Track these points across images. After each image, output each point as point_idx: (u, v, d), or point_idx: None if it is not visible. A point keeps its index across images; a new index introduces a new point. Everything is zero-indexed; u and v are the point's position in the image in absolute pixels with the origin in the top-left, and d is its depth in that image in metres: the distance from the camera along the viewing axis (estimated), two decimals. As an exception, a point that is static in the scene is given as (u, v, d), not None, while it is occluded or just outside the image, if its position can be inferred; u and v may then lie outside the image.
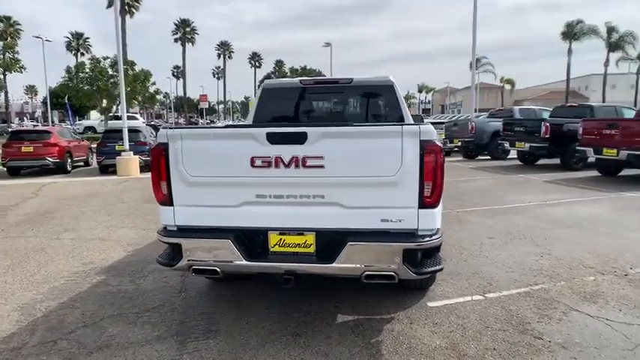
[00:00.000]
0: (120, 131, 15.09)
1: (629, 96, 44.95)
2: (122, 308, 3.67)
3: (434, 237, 2.85)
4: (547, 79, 68.41)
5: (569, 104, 15.93)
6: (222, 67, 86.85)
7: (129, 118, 27.35)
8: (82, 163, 16.50)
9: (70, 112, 34.45)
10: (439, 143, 2.79)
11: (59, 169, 14.31)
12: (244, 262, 2.93)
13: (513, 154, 14.78)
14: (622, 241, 5.29)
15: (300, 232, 2.96)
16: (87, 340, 3.14)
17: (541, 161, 13.65)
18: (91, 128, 36.54)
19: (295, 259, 2.97)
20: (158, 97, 61.66)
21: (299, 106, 5.15)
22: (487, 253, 4.92)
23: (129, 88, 35.87)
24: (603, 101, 34.57)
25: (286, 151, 2.84)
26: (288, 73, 30.64)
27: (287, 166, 2.85)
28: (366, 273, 2.85)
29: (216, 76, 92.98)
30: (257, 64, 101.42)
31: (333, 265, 2.85)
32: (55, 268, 4.74)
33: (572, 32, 42.00)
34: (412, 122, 4.15)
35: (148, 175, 3.06)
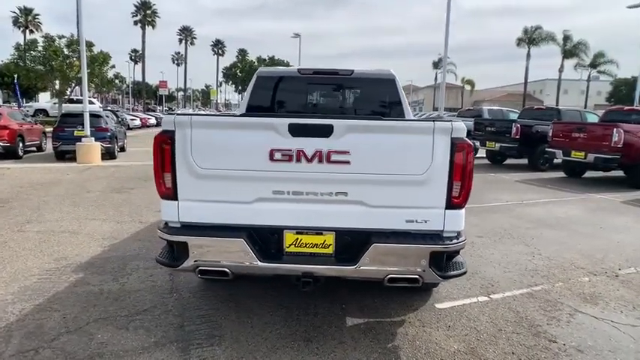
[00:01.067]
0: (78, 115, 14.15)
1: (580, 101, 47.60)
2: (108, 311, 3.33)
3: (460, 239, 2.74)
4: (504, 82, 71.13)
5: (537, 107, 16.51)
6: (182, 53, 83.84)
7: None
8: (34, 149, 15.34)
9: (18, 93, 32.05)
10: (470, 141, 2.68)
11: (9, 154, 13.20)
12: (259, 263, 2.70)
13: (482, 153, 15.16)
14: (603, 241, 5.46)
15: (318, 231, 2.76)
16: (74, 349, 2.80)
17: (508, 161, 14.08)
18: (43, 111, 34.19)
19: (312, 261, 2.77)
20: (116, 81, 58.87)
21: (296, 96, 4.91)
22: (480, 252, 4.92)
23: (87, 70, 34.01)
24: (557, 105, 36.35)
25: (309, 145, 2.63)
26: (256, 63, 29.90)
27: (309, 160, 2.64)
28: (390, 276, 2.71)
29: (175, 62, 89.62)
30: (220, 51, 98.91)
31: (355, 267, 2.68)
32: (22, 264, 4.28)
33: (530, 37, 43.86)
34: (413, 118, 4.05)
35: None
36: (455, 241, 2.71)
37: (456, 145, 2.62)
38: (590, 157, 9.45)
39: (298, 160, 2.64)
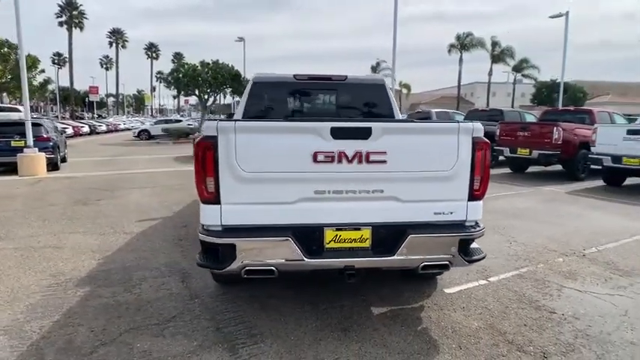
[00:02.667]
0: (14, 125, 13.18)
1: (507, 102, 51.59)
2: (136, 321, 3.30)
3: (480, 227, 3.08)
4: (438, 85, 75.16)
5: (481, 108, 17.77)
6: (112, 56, 79.63)
7: (10, 110, 23.80)
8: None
9: None
10: (487, 140, 3.02)
11: None
12: (305, 260, 2.85)
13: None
14: (563, 227, 6.15)
15: (356, 227, 2.97)
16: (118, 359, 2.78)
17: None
18: (-42, 121, 30.97)
19: (351, 255, 2.97)
20: (48, 87, 54.53)
21: (292, 101, 5.07)
22: (465, 243, 5.36)
23: (9, 76, 31.33)
24: (487, 106, 39.18)
25: (350, 147, 2.84)
26: (199, 67, 29.16)
27: (350, 161, 2.85)
28: (424, 264, 2.98)
29: (105, 66, 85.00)
30: (154, 55, 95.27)
31: (394, 257, 2.92)
32: (15, 282, 4.04)
33: (462, 43, 46.87)
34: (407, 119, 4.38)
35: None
36: (478, 229, 3.05)
37: (476, 144, 2.96)
38: (534, 154, 10.45)
39: (339, 161, 2.84)
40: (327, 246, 2.97)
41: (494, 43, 47.42)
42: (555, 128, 10.04)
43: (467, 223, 3.06)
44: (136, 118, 61.11)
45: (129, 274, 4.26)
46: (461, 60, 48.26)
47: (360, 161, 2.85)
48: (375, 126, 2.85)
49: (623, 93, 53.59)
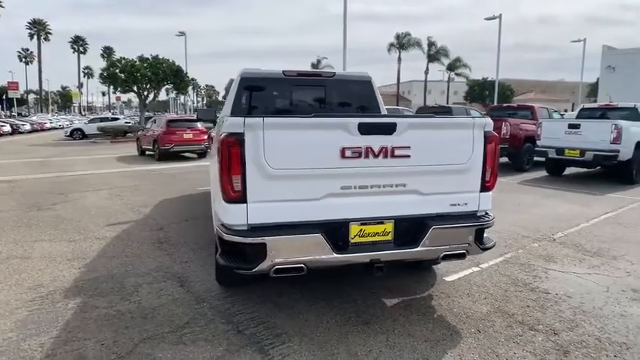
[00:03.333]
0: None
1: (442, 100, 54.37)
2: (147, 330, 3.11)
3: (491, 217, 3.25)
4: (377, 83, 77.16)
5: (431, 105, 18.51)
6: (32, 49, 73.22)
7: None
8: None
9: None
10: (496, 134, 3.20)
11: None
12: (334, 255, 2.86)
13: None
14: (528, 215, 6.63)
15: (380, 221, 3.02)
16: (144, 371, 2.62)
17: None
18: None
19: (374, 248, 3.01)
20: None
21: (281, 97, 5.00)
22: (446, 233, 5.61)
23: None
24: (424, 104, 40.99)
25: (376, 142, 2.88)
26: (137, 62, 27.70)
27: (376, 156, 2.89)
28: (445, 253, 3.10)
29: (24, 59, 78.04)
30: (81, 49, 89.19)
31: (418, 249, 3.01)
32: (-10, 298, 3.64)
33: (401, 43, 48.60)
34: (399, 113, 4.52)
35: None
36: (490, 218, 3.22)
37: (488, 137, 3.12)
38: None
39: (366, 156, 2.87)
40: (352, 241, 2.99)
41: (430, 44, 49.75)
42: (504, 123, 10.76)
43: (478, 214, 3.23)
44: (63, 117, 56.71)
45: (119, 281, 3.99)
46: (399, 59, 50.13)
47: (385, 156, 2.90)
48: (400, 121, 2.91)
49: (544, 90, 58.51)
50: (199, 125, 17.31)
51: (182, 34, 31.48)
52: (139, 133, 18.83)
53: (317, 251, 2.83)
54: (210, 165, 4.49)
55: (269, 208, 2.82)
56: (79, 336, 3.02)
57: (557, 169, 10.43)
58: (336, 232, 2.94)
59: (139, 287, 3.87)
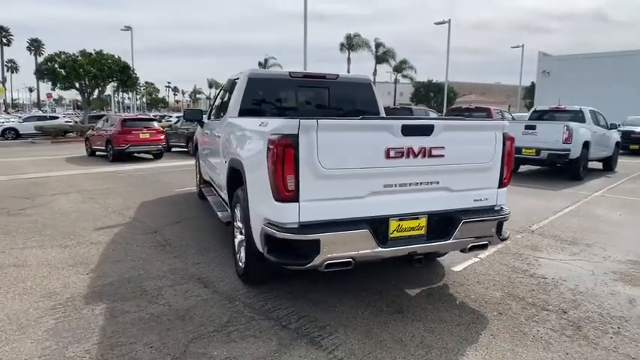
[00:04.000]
0: None
1: (389, 100, 56.18)
2: (191, 331, 3.12)
3: (507, 210, 3.60)
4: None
5: (392, 107, 19.12)
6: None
7: None
8: None
9: None
10: (512, 135, 3.55)
11: None
12: (379, 249, 3.05)
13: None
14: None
15: (415, 216, 3.26)
16: (206, 369, 2.66)
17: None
18: None
19: (410, 242, 3.25)
20: None
21: (287, 97, 5.09)
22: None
23: None
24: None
25: (416, 142, 3.11)
26: (79, 57, 26.11)
27: (415, 156, 3.12)
28: (471, 244, 3.39)
29: None
30: (4, 41, 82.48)
31: (450, 241, 3.28)
32: (5, 309, 3.44)
33: (350, 43, 49.59)
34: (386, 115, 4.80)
35: None
36: (507, 212, 3.56)
37: (506, 138, 3.46)
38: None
39: (408, 156, 3.09)
40: (391, 235, 3.20)
41: (378, 45, 51.10)
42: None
43: (496, 208, 3.56)
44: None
45: (138, 285, 3.92)
46: (349, 59, 50.99)
47: (423, 156, 3.14)
48: (437, 123, 3.16)
49: (483, 92, 62.23)
50: (156, 125, 16.80)
51: (128, 28, 30.04)
52: (89, 132, 17.85)
53: (364, 246, 3.01)
54: (219, 169, 4.43)
55: (317, 207, 2.96)
56: (123, 340, 2.98)
57: (514, 166, 11.30)
58: (378, 227, 3.14)
59: (161, 290, 3.82)
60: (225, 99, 5.41)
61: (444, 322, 3.30)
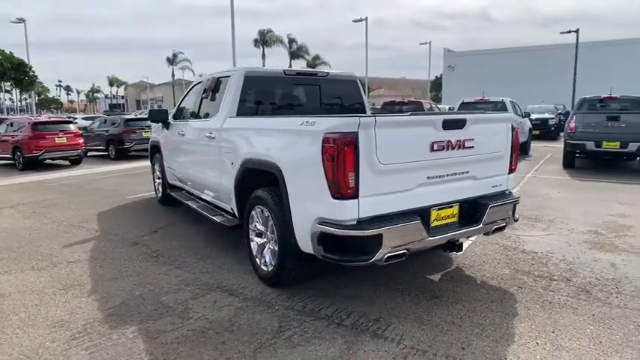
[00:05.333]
0: None
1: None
2: (248, 341, 2.99)
3: (517, 194, 3.96)
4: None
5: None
6: None
7: None
8: None
9: None
10: (517, 126, 3.91)
11: None
12: (428, 238, 3.20)
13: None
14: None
15: (450, 205, 3.46)
16: (291, 376, 2.59)
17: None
18: None
19: (446, 230, 3.44)
20: None
21: (282, 95, 4.98)
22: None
23: None
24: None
25: (453, 136, 3.30)
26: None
27: (453, 148, 3.31)
28: (495, 227, 3.68)
29: None
30: None
31: (480, 226, 3.54)
32: (15, 345, 2.97)
33: (264, 39, 49.16)
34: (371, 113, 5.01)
35: None
36: (517, 195, 3.92)
37: (514, 130, 3.81)
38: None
39: (447, 148, 3.27)
40: (432, 225, 3.36)
41: (291, 41, 51.43)
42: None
43: (507, 192, 3.90)
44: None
45: (157, 302, 3.62)
46: (264, 55, 50.57)
47: (459, 148, 3.35)
48: (468, 117, 3.37)
49: (390, 87, 65.79)
50: (73, 127, 15.27)
51: (21, 20, 26.50)
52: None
53: (417, 236, 3.14)
54: (212, 172, 4.17)
55: (373, 202, 3.02)
56: (184, 353, 2.76)
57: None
58: (422, 218, 3.27)
59: (186, 304, 3.58)
60: (209, 98, 5.14)
61: (479, 300, 3.55)
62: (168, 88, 72.48)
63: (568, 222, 5.83)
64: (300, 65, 53.20)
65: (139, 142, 16.34)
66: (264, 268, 3.90)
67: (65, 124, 15.05)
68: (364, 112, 5.42)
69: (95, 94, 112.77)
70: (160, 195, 7.28)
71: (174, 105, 6.76)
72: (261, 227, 3.92)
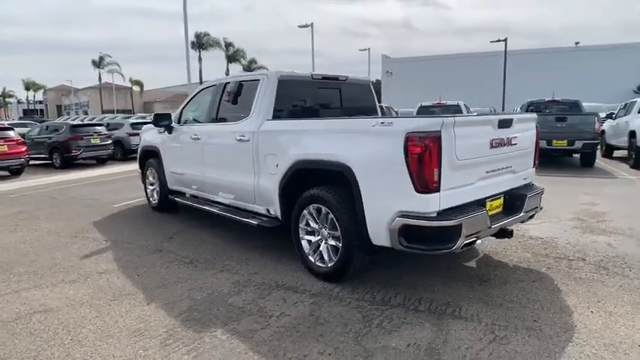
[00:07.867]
0: None
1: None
2: (344, 333, 3.13)
3: (540, 186, 4.46)
4: (169, 82, 73.49)
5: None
6: None
7: None
8: None
9: None
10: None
11: None
12: (491, 226, 3.56)
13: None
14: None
15: (497, 197, 3.86)
16: (405, 358, 2.79)
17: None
18: None
19: (497, 219, 3.83)
20: None
21: (311, 98, 5.10)
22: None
23: None
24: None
25: (505, 134, 3.70)
26: None
27: (504, 145, 3.71)
28: (529, 214, 4.14)
29: None
30: None
31: (522, 214, 3.98)
32: (104, 352, 2.86)
33: (200, 42, 47.82)
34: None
35: None
36: (541, 187, 4.42)
37: (537, 129, 4.32)
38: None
39: (502, 145, 3.67)
40: (489, 214, 3.72)
41: (228, 44, 50.61)
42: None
43: (531, 184, 4.40)
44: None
45: (224, 304, 3.63)
46: (200, 58, 49.22)
47: (508, 144, 3.76)
48: (514, 117, 3.79)
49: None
50: (13, 134, 14.03)
51: None
52: None
53: (484, 225, 3.49)
54: (239, 175, 4.21)
55: (449, 195, 3.32)
56: (290, 356, 2.85)
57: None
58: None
59: (257, 303, 3.62)
60: (231, 101, 5.16)
61: (522, 280, 3.98)
62: (95, 92, 67.70)
63: (553, 211, 6.54)
64: (237, 69, 52.57)
65: (88, 150, 15.42)
66: (320, 264, 4.03)
67: (5, 131, 13.79)
68: (376, 113, 5.72)
69: (7, 99, 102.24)
70: (155, 202, 7.02)
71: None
72: (314, 225, 4.05)
